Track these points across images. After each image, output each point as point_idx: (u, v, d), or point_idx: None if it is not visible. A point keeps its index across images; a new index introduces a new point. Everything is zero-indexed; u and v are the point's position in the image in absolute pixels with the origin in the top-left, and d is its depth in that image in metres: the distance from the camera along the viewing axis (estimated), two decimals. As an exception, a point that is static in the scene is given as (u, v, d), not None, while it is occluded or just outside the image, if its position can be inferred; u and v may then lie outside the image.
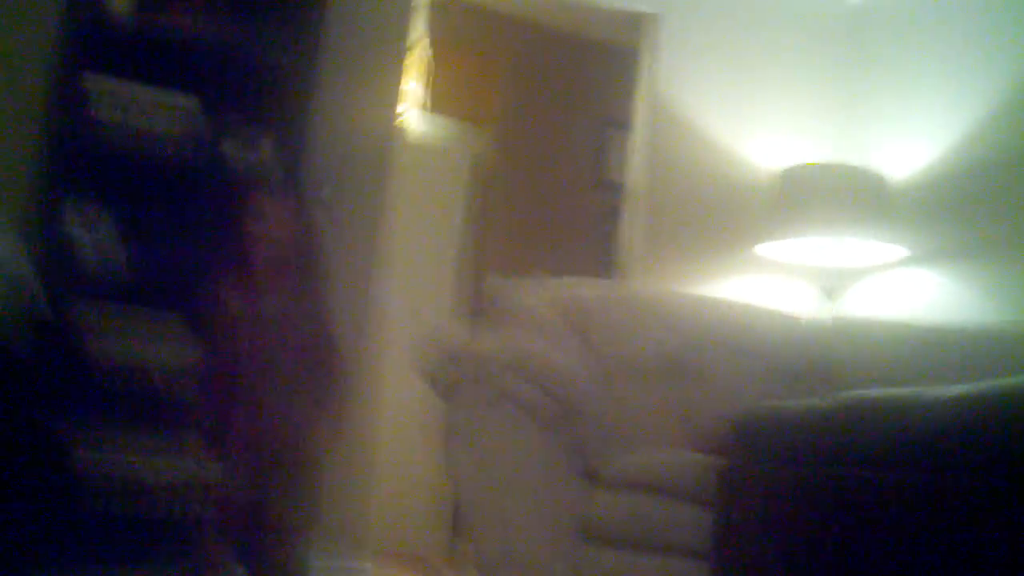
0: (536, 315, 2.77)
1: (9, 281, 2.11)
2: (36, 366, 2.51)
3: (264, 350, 2.40)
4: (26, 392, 2.24)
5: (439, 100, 5.30)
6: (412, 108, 5.28)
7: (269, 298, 2.46)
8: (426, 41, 5.26)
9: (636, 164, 4.06)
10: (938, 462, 1.28)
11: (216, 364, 2.42)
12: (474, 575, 2.32)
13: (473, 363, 2.30)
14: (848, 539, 1.36)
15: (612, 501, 2.25)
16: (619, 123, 4.53)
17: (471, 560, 2.36)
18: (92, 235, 3.24)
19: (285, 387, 2.41)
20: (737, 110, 4.05)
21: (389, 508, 4.52)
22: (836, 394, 1.61)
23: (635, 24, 4.17)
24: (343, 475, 3.64)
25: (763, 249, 3.67)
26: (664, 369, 2.79)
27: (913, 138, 3.79)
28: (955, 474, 1.23)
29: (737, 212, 3.92)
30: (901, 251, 3.53)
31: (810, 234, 3.45)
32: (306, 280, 2.55)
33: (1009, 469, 1.15)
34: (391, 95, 3.91)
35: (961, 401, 1.31)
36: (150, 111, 3.33)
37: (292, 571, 2.40)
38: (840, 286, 3.62)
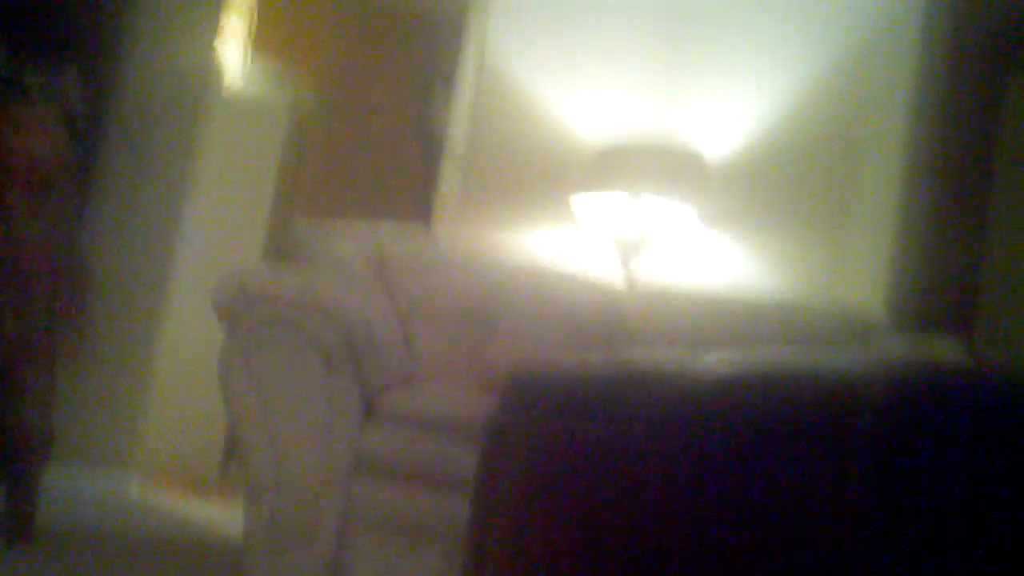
0: (336, 255, 2.79)
1: None
2: None
3: (11, 267, 2.37)
4: None
5: (262, 40, 5.17)
6: (233, 46, 5.15)
7: (20, 212, 2.42)
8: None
9: (459, 119, 4.08)
10: (699, 427, 1.36)
11: None
12: (243, 498, 2.35)
13: (258, 290, 2.30)
14: (601, 494, 1.44)
15: (388, 435, 2.31)
16: (446, 78, 4.54)
17: (241, 483, 2.40)
18: None
19: (24, 303, 2.40)
20: (562, 78, 4.11)
21: (164, 431, 4.56)
22: (612, 356, 1.69)
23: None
24: (114, 390, 3.72)
25: (575, 207, 3.77)
26: (461, 318, 2.86)
27: (728, 115, 3.96)
28: (714, 439, 1.31)
29: (553, 172, 4.01)
30: (693, 211, 3.70)
31: (615, 188, 3.57)
32: (60, 197, 2.51)
33: (761, 435, 1.23)
34: (209, 29, 3.81)
35: (721, 369, 1.40)
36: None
37: (26, 486, 2.42)
38: (638, 248, 3.75)
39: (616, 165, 3.54)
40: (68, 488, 3.60)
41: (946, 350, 2.92)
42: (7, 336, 2.38)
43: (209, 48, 3.89)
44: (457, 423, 2.28)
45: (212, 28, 3.87)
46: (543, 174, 4.01)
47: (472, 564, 1.74)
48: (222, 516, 3.78)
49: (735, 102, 3.95)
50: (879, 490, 1.08)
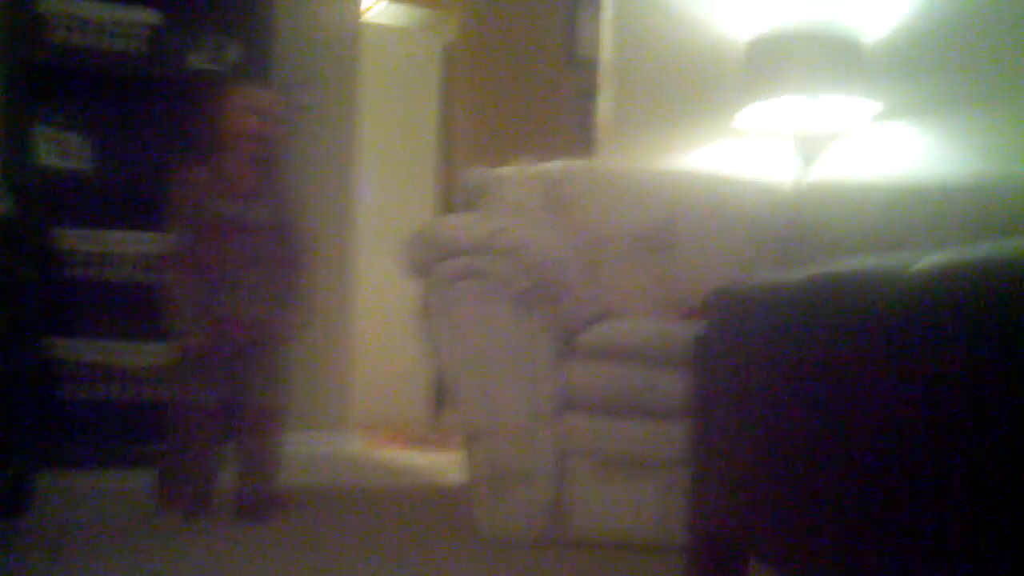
0: (513, 197, 2.83)
1: None
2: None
3: (244, 246, 2.49)
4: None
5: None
6: (378, 1, 5.22)
7: (248, 192, 2.53)
8: (385, -71, 5.17)
9: (607, 40, 4.03)
10: (908, 337, 1.32)
11: (198, 258, 2.48)
12: (459, 444, 2.42)
13: (447, 241, 2.36)
14: (813, 413, 1.42)
15: (590, 369, 2.34)
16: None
17: (456, 429, 2.48)
18: (63, 152, 3.26)
19: (259, 279, 2.52)
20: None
21: (377, 385, 4.78)
22: (806, 268, 1.66)
23: None
24: (327, 359, 3.93)
25: (740, 117, 3.69)
26: (641, 242, 2.87)
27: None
28: (925, 348, 1.27)
29: (712, 83, 3.91)
30: (875, 106, 3.55)
31: (784, 94, 3.46)
32: (278, 176, 2.63)
33: (978, 342, 1.18)
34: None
35: (930, 272, 1.35)
36: (111, 29, 3.29)
37: (268, 450, 2.56)
38: (816, 148, 3.64)
39: (785, 67, 3.42)
40: (301, 452, 3.83)
41: None
42: (248, 318, 2.49)
43: (356, 6, 3.95)
44: (659, 351, 2.29)
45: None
46: (703, 84, 3.92)
47: (696, 484, 1.77)
48: (440, 463, 3.93)
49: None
50: None
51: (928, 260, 1.36)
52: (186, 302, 2.45)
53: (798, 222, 3.05)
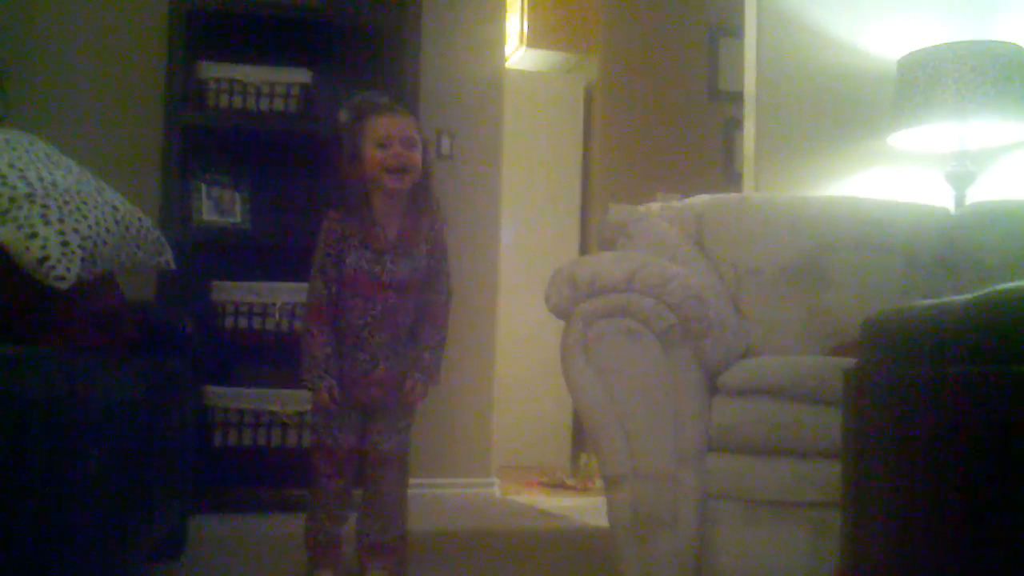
0: (656, 233, 2.79)
1: (139, 231, 2.25)
2: (161, 312, 2.70)
3: (386, 303, 2.37)
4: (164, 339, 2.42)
5: (543, 34, 5.28)
6: (518, 46, 5.30)
7: (394, 242, 2.38)
8: (525, -24, 5.26)
9: (750, 70, 3.97)
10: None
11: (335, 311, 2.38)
12: (599, 487, 2.34)
13: (589, 280, 2.34)
14: (982, 451, 1.35)
15: (736, 408, 2.27)
16: (728, 30, 4.44)
17: (595, 473, 2.40)
18: (220, 208, 3.42)
19: (398, 338, 2.42)
20: (848, 0, 3.91)
21: (514, 429, 4.79)
22: (969, 292, 1.58)
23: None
24: (469, 403, 3.98)
25: (892, 140, 3.57)
26: (790, 274, 2.78)
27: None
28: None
29: (860, 106, 3.81)
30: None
31: (937, 119, 3.33)
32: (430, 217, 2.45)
33: None
34: (497, 37, 3.94)
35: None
36: (267, 91, 3.44)
37: (393, 494, 2.47)
38: (972, 171, 3.48)
39: (938, 88, 3.29)
40: (442, 495, 3.87)
41: None
42: (384, 378, 2.42)
43: (499, 55, 4.01)
44: (808, 387, 2.22)
45: (499, 34, 3.99)
46: (851, 109, 3.82)
47: (850, 528, 1.69)
48: (581, 508, 3.90)
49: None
50: None
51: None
52: (317, 355, 2.32)
53: (957, 246, 2.92)
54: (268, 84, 3.44)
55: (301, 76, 3.50)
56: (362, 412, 2.44)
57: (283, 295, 3.27)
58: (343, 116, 2.47)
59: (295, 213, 3.60)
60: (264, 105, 3.45)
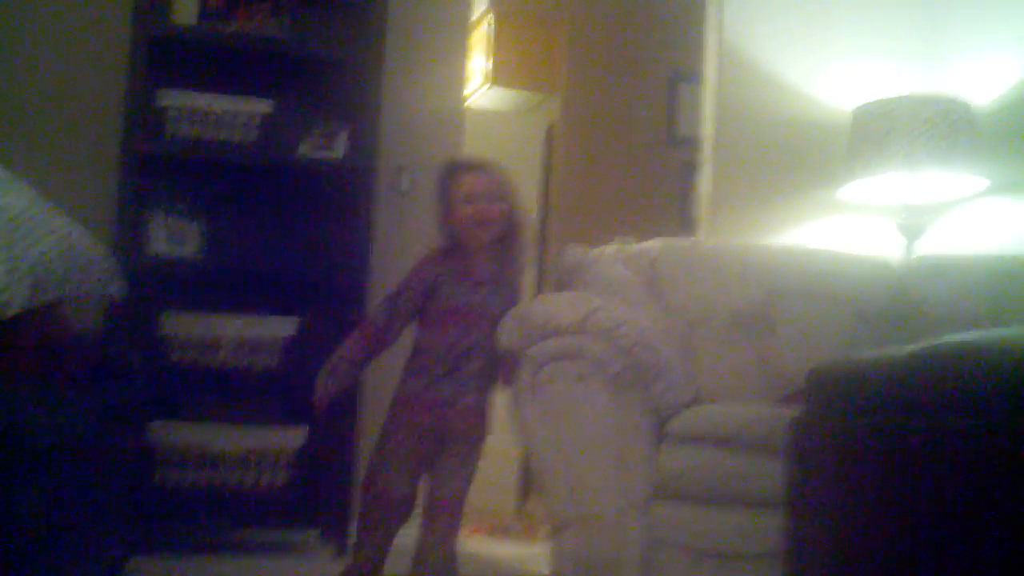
0: (610, 276, 2.81)
1: (88, 260, 2.23)
2: (108, 343, 2.66)
3: (470, 333, 2.45)
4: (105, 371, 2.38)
5: (505, 72, 5.32)
6: (480, 84, 5.33)
7: (482, 279, 2.51)
8: (490, 15, 5.30)
9: (708, 116, 4.03)
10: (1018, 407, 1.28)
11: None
12: (545, 533, 2.35)
13: (542, 321, 2.35)
14: (931, 487, 1.37)
15: (684, 455, 2.28)
16: (687, 76, 4.50)
17: (542, 519, 2.40)
18: (175, 239, 3.39)
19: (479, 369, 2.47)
20: (806, 49, 3.98)
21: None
22: (915, 343, 1.60)
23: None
24: None
25: (843, 191, 3.63)
26: (741, 321, 2.81)
27: (990, 63, 3.68)
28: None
29: (815, 155, 3.87)
30: (982, 182, 3.45)
31: (889, 170, 3.39)
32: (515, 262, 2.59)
33: None
34: (458, 75, 3.96)
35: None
36: (227, 120, 3.43)
37: (447, 545, 2.46)
38: (922, 223, 3.55)
39: (890, 140, 3.35)
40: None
41: None
42: (462, 407, 2.46)
43: (460, 92, 4.03)
44: (756, 436, 2.23)
45: (460, 72, 4.01)
46: (806, 158, 3.88)
47: (793, 577, 1.70)
48: (525, 554, 3.85)
49: (995, 48, 3.66)
50: None
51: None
52: (344, 354, 2.44)
53: (903, 298, 2.97)
54: (229, 114, 3.42)
55: (263, 106, 3.49)
56: (427, 456, 2.44)
57: (235, 329, 3.24)
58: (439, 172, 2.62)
59: (252, 245, 3.58)
60: (224, 135, 3.43)
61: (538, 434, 2.31)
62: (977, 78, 3.69)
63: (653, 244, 3.01)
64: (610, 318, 2.34)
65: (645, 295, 2.82)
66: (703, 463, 2.26)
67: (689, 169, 4.55)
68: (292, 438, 3.26)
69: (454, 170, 2.59)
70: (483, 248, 2.51)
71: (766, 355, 2.78)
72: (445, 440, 2.44)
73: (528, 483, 4.90)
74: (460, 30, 3.95)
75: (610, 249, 2.99)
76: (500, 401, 2.50)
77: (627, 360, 2.29)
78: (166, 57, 3.40)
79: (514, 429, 2.36)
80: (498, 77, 5.31)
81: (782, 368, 2.72)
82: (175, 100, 3.40)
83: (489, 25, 5.30)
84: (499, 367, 2.49)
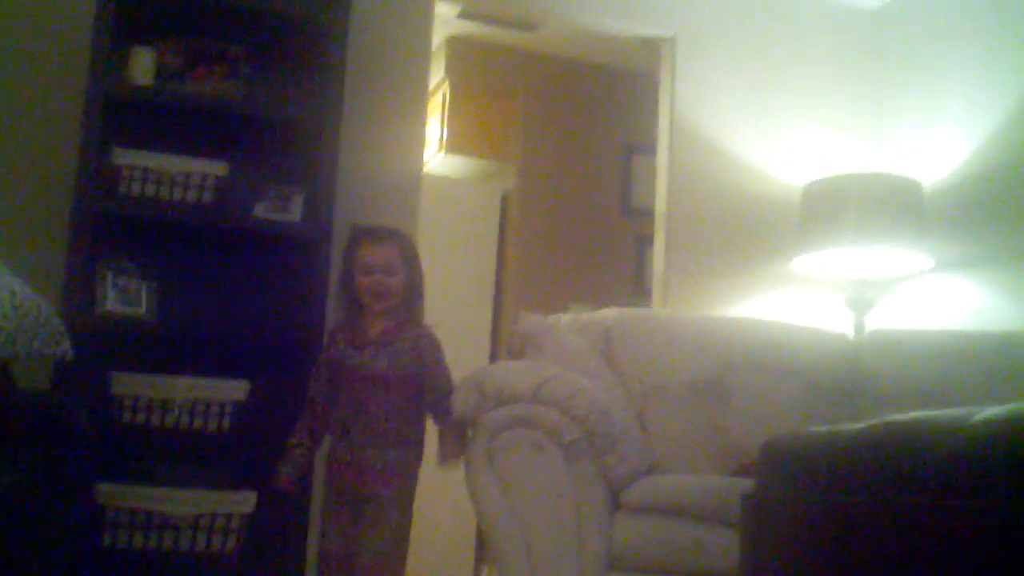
0: (565, 345, 2.81)
1: (33, 319, 2.20)
2: (55, 403, 2.61)
3: (373, 395, 2.56)
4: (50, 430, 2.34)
5: (463, 140, 5.36)
6: (437, 151, 5.36)
7: (380, 342, 2.60)
8: (447, 84, 5.35)
9: (662, 188, 4.08)
10: (970, 486, 1.29)
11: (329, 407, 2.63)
12: None
13: (496, 389, 2.34)
14: (882, 565, 1.37)
15: (638, 526, 2.28)
16: (642, 148, 4.57)
17: None
18: (126, 299, 3.34)
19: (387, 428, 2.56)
20: (759, 126, 4.07)
21: (413, 540, 4.65)
22: (866, 420, 1.62)
23: (651, 49, 4.21)
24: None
25: (796, 264, 3.68)
26: (695, 392, 2.83)
27: (937, 142, 3.79)
28: (988, 499, 1.24)
29: (766, 229, 3.93)
30: (928, 261, 3.52)
31: (840, 245, 3.45)
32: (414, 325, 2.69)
33: None
34: (416, 140, 3.97)
35: (992, 424, 1.31)
36: (181, 181, 3.41)
37: None
38: (871, 297, 3.61)
39: (840, 216, 3.42)
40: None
41: None
42: (370, 466, 2.55)
43: (418, 157, 4.05)
44: (709, 508, 2.23)
45: (418, 137, 4.03)
46: (758, 232, 3.94)
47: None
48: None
49: (942, 132, 3.77)
50: None
51: (989, 412, 1.33)
52: (287, 442, 2.61)
53: (856, 373, 3.00)
54: (183, 174, 3.40)
55: (218, 167, 3.47)
56: (354, 516, 2.53)
57: (186, 391, 3.19)
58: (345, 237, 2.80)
59: (205, 307, 3.53)
60: (178, 195, 3.40)
61: (492, 502, 2.29)
62: (925, 158, 3.78)
63: (608, 313, 3.02)
64: (564, 387, 2.33)
65: (599, 364, 2.83)
66: (658, 535, 2.25)
67: (644, 240, 4.60)
68: (243, 502, 3.19)
69: (356, 238, 2.71)
70: (378, 313, 2.63)
71: (720, 426, 2.79)
72: (366, 500, 2.51)
73: (484, 551, 4.84)
74: (419, 95, 3.97)
75: (565, 318, 3.01)
76: (443, 467, 2.55)
77: (581, 430, 2.29)
78: (122, 116, 3.37)
79: (469, 493, 2.34)
80: (453, 144, 5.35)
81: (735, 439, 2.73)
82: (129, 159, 3.37)
83: (445, 93, 5.35)
84: (442, 438, 2.56)
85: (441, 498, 4.80)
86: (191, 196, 3.41)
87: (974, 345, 2.99)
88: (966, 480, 1.29)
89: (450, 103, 5.34)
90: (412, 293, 2.67)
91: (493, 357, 5.26)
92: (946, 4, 3.86)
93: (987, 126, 3.59)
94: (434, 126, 5.34)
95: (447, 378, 2.62)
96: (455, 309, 5.21)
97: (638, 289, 5.13)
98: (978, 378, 2.84)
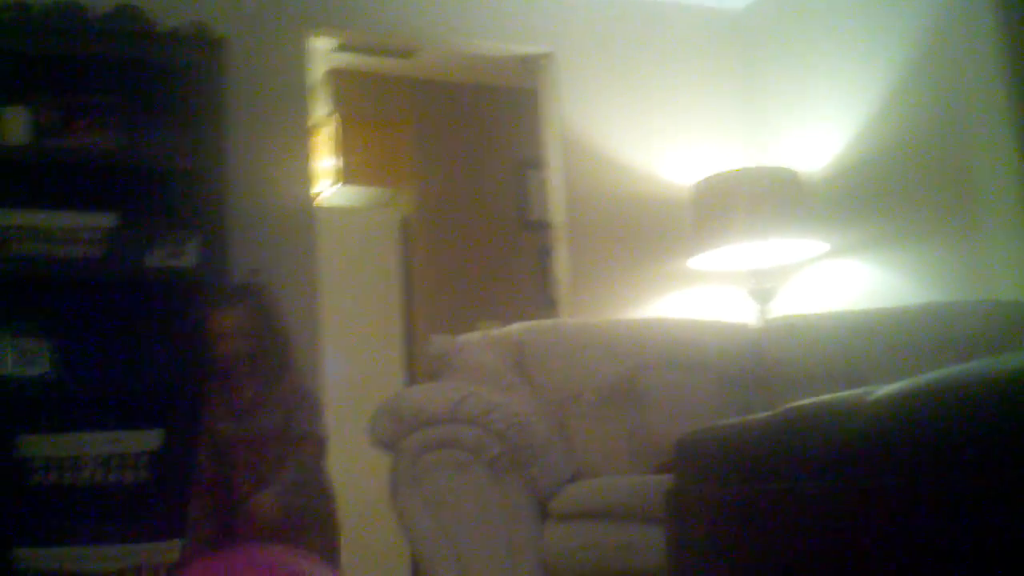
0: (478, 362, 2.82)
1: None
2: None
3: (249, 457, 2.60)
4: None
5: (359, 170, 5.34)
6: (331, 183, 5.33)
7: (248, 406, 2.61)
8: (335, 116, 5.32)
9: (557, 201, 4.13)
10: (872, 465, 1.32)
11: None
12: None
13: (412, 413, 2.34)
14: (794, 552, 1.40)
15: (567, 533, 2.30)
16: (535, 163, 4.61)
17: None
18: (24, 360, 3.25)
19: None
20: (642, 131, 4.14)
21: (348, 564, 4.61)
22: (773, 409, 1.65)
23: (532, 65, 4.26)
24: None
25: (693, 262, 3.75)
26: (609, 396, 2.85)
27: (813, 135, 3.90)
28: (895, 476, 1.27)
29: (661, 231, 4.00)
30: (822, 246, 3.62)
31: (732, 241, 3.53)
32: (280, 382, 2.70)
33: (948, 466, 1.18)
34: (303, 174, 3.95)
35: (888, 402, 1.35)
36: (70, 236, 3.33)
37: None
38: (771, 287, 3.69)
39: (730, 212, 3.50)
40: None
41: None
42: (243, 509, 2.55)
43: (306, 189, 4.02)
44: (633, 508, 2.25)
45: (304, 169, 4.00)
46: (654, 233, 4.01)
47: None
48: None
49: (817, 123, 3.89)
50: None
51: (884, 391, 1.37)
52: (202, 521, 2.61)
53: (764, 361, 3.06)
54: (71, 229, 3.32)
55: (106, 220, 3.40)
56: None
57: (97, 446, 3.11)
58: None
59: (110, 359, 3.45)
60: (68, 251, 3.32)
61: (421, 525, 2.28)
62: (805, 150, 3.89)
63: (517, 327, 3.04)
64: (481, 404, 2.34)
65: (514, 378, 2.84)
66: (587, 539, 2.26)
67: (545, 252, 4.64)
68: (166, 552, 3.13)
69: (207, 307, 2.78)
70: (243, 376, 2.66)
71: (636, 427, 2.82)
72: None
73: (417, 569, 4.80)
74: (301, 130, 3.95)
75: (475, 336, 3.01)
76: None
77: (503, 444, 2.30)
78: (2, 177, 3.29)
79: (395, 518, 2.33)
80: (348, 175, 5.32)
81: (654, 438, 2.76)
82: (14, 220, 3.29)
83: (336, 125, 5.33)
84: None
85: (375, 524, 4.75)
86: (78, 251, 3.33)
87: (873, 323, 3.08)
88: (867, 460, 1.33)
89: (343, 135, 5.31)
90: (274, 350, 2.69)
91: (410, 383, 5.23)
92: (809, 4, 3.99)
93: (859, 117, 3.71)
94: (329, 159, 5.31)
95: (312, 425, 2.68)
96: (365, 338, 5.18)
97: (545, 300, 5.16)
98: (881, 354, 2.92)
